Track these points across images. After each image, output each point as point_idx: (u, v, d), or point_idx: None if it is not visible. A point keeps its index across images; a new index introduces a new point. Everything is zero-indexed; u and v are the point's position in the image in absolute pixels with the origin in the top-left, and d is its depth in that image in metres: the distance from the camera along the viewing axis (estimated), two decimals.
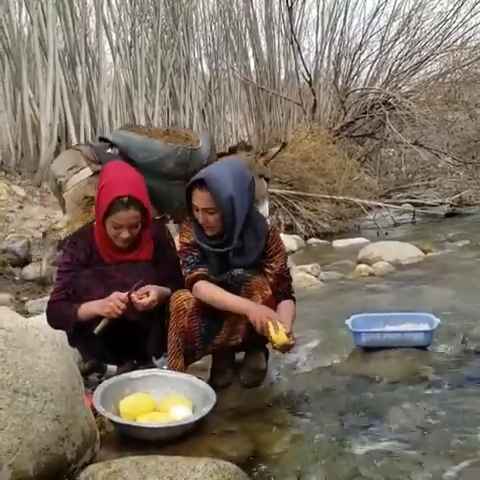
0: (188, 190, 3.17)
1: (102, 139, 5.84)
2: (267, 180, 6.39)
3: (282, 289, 3.25)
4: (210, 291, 3.12)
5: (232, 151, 6.21)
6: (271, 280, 3.21)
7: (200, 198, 3.10)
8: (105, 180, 3.26)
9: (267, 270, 3.22)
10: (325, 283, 6.06)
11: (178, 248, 3.28)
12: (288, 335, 2.98)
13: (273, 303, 3.17)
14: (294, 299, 3.31)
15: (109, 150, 5.51)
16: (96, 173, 5.19)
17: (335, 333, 4.14)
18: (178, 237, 3.32)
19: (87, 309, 3.13)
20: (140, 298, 3.09)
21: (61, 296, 3.22)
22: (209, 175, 3.11)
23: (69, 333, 3.25)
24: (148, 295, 3.10)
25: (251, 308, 3.03)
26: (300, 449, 2.68)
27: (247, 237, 3.18)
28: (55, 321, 3.21)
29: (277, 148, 6.52)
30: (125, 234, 3.17)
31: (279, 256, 3.26)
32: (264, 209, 6.29)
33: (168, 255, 3.36)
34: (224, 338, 3.20)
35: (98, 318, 3.11)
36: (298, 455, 2.63)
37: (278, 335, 2.95)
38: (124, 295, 3.07)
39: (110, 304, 3.06)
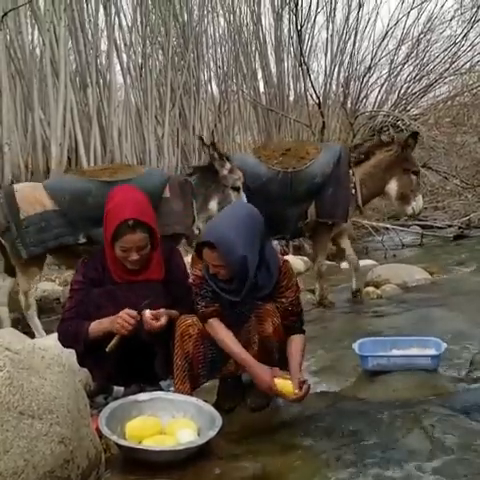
0: (197, 247, 3.13)
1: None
2: (416, 173, 6.03)
3: (291, 323, 3.25)
4: (222, 334, 3.12)
5: (367, 155, 5.95)
6: (280, 314, 3.21)
7: (210, 257, 3.04)
8: (111, 205, 3.28)
9: (277, 304, 3.22)
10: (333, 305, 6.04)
11: (191, 280, 3.25)
12: (301, 384, 3.02)
13: (282, 332, 3.20)
14: (304, 332, 3.31)
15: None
16: None
17: (342, 356, 4.13)
18: (190, 267, 3.32)
19: (97, 326, 3.14)
20: (152, 319, 3.11)
21: (72, 314, 3.23)
22: (219, 237, 2.99)
23: (79, 352, 3.26)
24: (159, 319, 3.12)
25: (256, 372, 3.04)
26: (307, 473, 2.66)
27: (260, 274, 3.14)
28: (66, 340, 3.24)
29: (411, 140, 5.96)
30: (134, 256, 3.19)
31: (290, 291, 3.25)
32: (417, 204, 6.02)
33: (178, 276, 3.38)
34: (233, 367, 3.19)
35: (108, 336, 3.12)
36: (305, 479, 2.62)
37: (287, 391, 3.00)
38: (134, 312, 3.08)
39: (119, 321, 3.07)
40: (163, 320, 3.12)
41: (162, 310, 3.15)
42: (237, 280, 3.08)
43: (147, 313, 3.11)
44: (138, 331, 3.11)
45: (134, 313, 3.09)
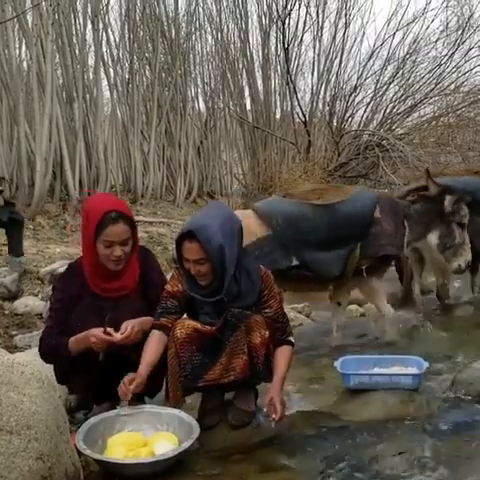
0: (177, 242, 3.16)
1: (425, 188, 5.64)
2: None
3: (278, 334, 3.25)
4: (150, 343, 3.12)
5: None
6: (268, 326, 3.20)
7: (190, 250, 3.10)
8: (88, 207, 3.31)
9: (264, 316, 3.21)
10: (316, 323, 6.04)
11: (164, 292, 3.27)
12: (274, 410, 3.07)
13: (269, 346, 3.19)
14: (291, 342, 3.31)
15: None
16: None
17: (324, 374, 4.12)
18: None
19: (76, 344, 3.11)
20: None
21: (54, 333, 3.20)
22: (197, 226, 3.09)
23: (59, 368, 3.24)
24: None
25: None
26: None
27: (242, 281, 3.17)
28: (48, 355, 3.20)
29: None
30: (118, 251, 3.17)
31: (274, 301, 3.26)
32: None
33: (154, 278, 3.39)
34: (215, 375, 3.16)
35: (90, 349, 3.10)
36: None
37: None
38: (100, 334, 3.05)
39: (93, 340, 3.05)
40: (128, 330, 3.08)
41: (126, 322, 3.12)
42: (216, 278, 3.12)
43: (111, 332, 3.09)
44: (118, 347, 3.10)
45: (100, 335, 3.05)
